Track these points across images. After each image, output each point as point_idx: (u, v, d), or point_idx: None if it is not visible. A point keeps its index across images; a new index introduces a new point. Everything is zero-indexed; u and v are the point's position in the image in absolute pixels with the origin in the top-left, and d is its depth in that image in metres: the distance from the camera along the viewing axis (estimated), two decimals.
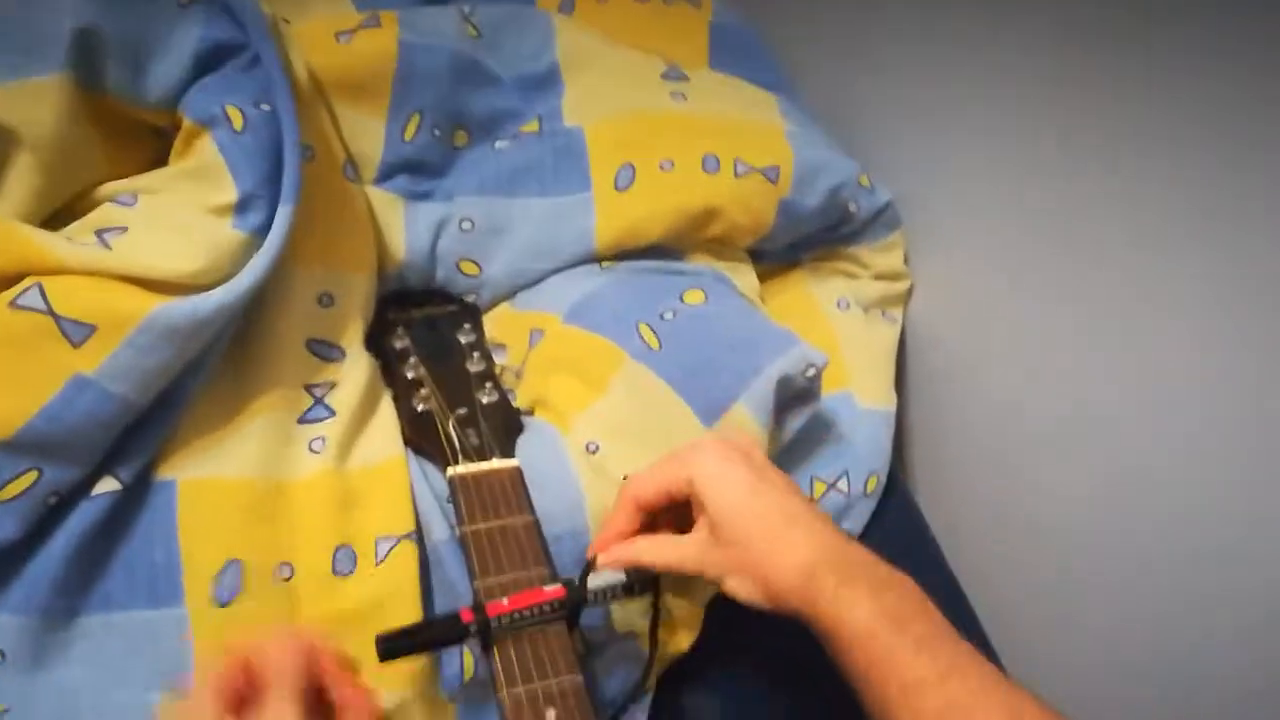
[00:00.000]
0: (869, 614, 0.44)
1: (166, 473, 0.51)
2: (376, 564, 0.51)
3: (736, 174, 0.70)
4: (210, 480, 0.51)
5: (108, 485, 0.48)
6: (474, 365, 0.63)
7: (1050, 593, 0.67)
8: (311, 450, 0.54)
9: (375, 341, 0.63)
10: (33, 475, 0.46)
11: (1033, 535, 0.69)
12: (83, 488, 0.48)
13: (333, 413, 0.56)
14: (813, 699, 0.61)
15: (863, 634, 0.43)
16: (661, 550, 0.50)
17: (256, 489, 0.52)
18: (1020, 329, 0.69)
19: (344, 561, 0.51)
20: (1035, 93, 0.64)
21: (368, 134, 0.66)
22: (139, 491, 0.50)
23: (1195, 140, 0.52)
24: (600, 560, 0.50)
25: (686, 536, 0.50)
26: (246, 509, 0.51)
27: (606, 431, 0.60)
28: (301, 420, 0.55)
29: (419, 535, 0.53)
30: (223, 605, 0.49)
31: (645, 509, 0.51)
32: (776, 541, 0.47)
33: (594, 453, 0.59)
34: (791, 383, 0.61)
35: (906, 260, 0.80)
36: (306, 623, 0.50)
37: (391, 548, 0.52)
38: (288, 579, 0.51)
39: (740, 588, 0.48)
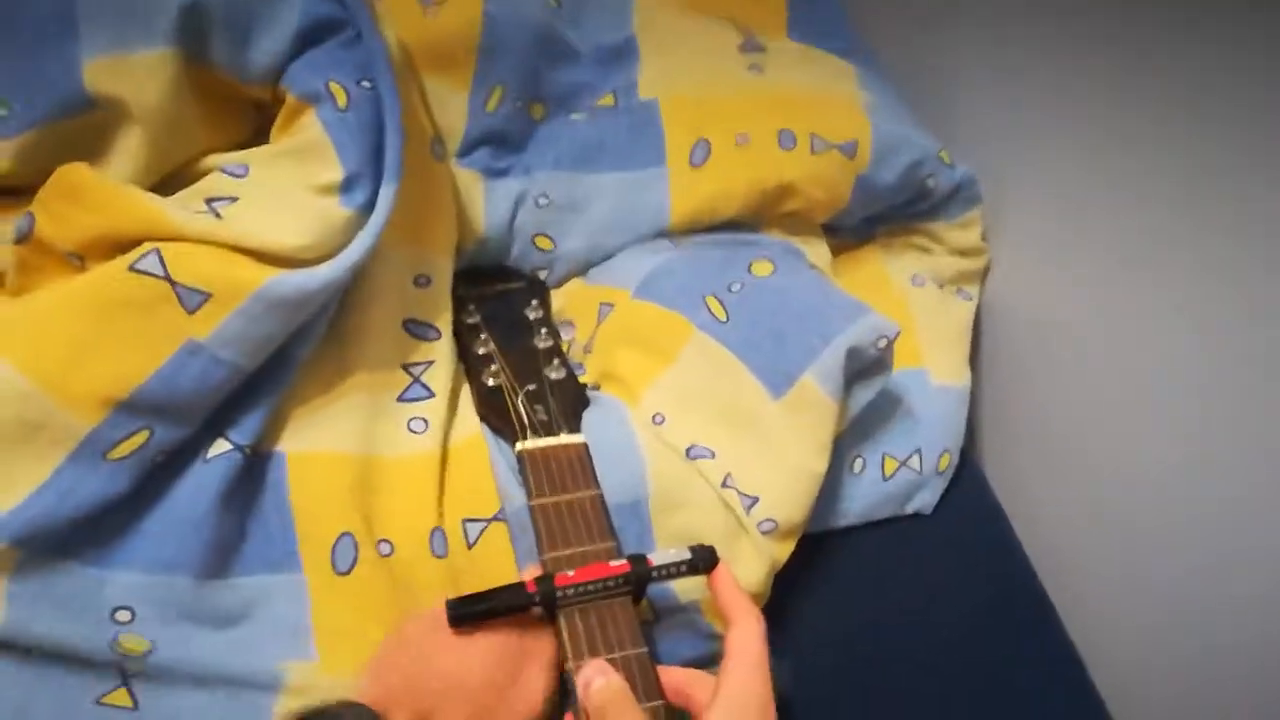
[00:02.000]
0: None
1: (278, 445, 0.54)
2: (469, 547, 0.54)
3: (814, 150, 0.70)
4: (316, 454, 0.54)
5: (220, 448, 0.51)
6: (542, 341, 0.64)
7: (1122, 574, 0.66)
8: (411, 430, 0.56)
9: None
10: (145, 435, 0.49)
11: (1105, 517, 0.68)
12: (198, 450, 0.51)
13: (432, 393, 0.58)
14: (874, 668, 0.63)
15: None
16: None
17: (358, 465, 0.54)
18: (1099, 309, 0.68)
19: (439, 544, 0.54)
20: (1123, 63, 0.62)
21: (452, 106, 0.67)
22: (253, 462, 0.53)
23: None
24: None
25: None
26: (352, 482, 0.54)
27: (672, 403, 0.61)
28: (400, 399, 0.58)
29: (504, 511, 0.55)
30: (342, 574, 0.52)
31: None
32: None
33: (660, 424, 0.60)
34: (862, 353, 0.60)
35: (985, 237, 0.79)
36: (421, 600, 0.52)
37: (482, 530, 0.54)
38: (387, 555, 0.53)
39: None
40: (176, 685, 0.48)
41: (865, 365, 0.62)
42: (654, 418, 0.61)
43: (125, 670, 0.48)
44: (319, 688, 0.49)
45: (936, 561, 0.69)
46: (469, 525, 0.54)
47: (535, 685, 0.48)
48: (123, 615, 0.48)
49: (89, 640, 0.47)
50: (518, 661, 0.48)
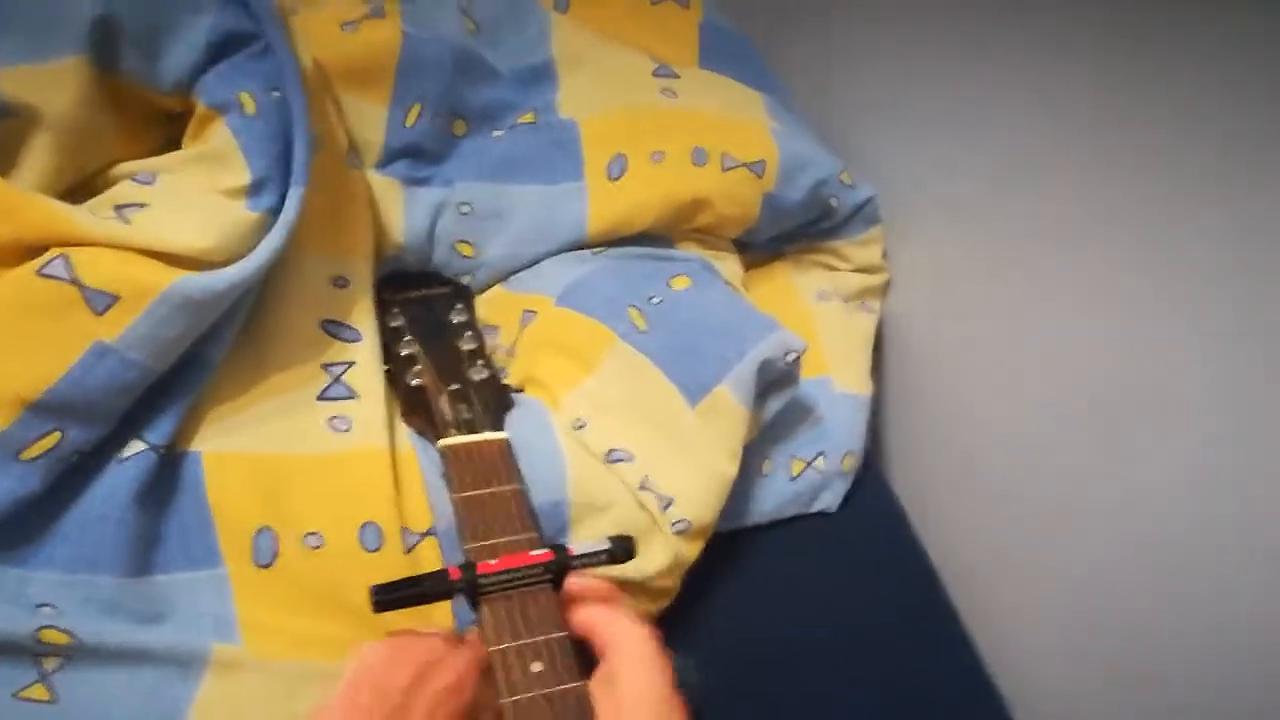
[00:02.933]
0: None
1: (193, 445, 0.54)
2: (405, 552, 0.55)
3: (724, 168, 0.73)
4: (234, 454, 0.55)
5: (136, 448, 0.51)
6: (466, 344, 0.66)
7: (1022, 571, 0.70)
8: (334, 428, 0.57)
9: None
10: (56, 436, 0.49)
11: (1001, 518, 0.72)
12: (113, 450, 0.51)
13: (354, 394, 0.59)
14: (781, 660, 0.65)
15: None
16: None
17: (278, 462, 0.55)
18: (994, 321, 0.72)
19: (371, 538, 0.54)
20: (1015, 92, 0.67)
21: (370, 120, 0.69)
22: (168, 462, 0.53)
23: (1181, 131, 0.54)
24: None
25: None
26: (269, 480, 0.54)
27: (593, 408, 0.63)
28: (320, 397, 0.58)
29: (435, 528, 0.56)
30: (264, 567, 0.52)
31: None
32: None
33: (580, 428, 0.62)
34: (772, 366, 0.64)
35: (885, 254, 0.84)
36: (347, 594, 0.52)
37: (417, 542, 0.55)
38: (317, 548, 0.53)
39: None
40: (97, 675, 0.48)
41: (775, 377, 0.66)
42: (575, 422, 0.63)
43: (43, 666, 0.47)
44: (244, 667, 0.49)
45: (841, 559, 0.72)
46: (407, 534, 0.55)
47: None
48: (47, 611, 0.48)
49: (12, 632, 0.46)
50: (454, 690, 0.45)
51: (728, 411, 0.63)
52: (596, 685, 0.47)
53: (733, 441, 0.63)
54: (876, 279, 0.83)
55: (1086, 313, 0.63)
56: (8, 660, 0.47)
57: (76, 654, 0.48)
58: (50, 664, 0.48)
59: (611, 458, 0.62)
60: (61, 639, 0.47)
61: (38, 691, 0.47)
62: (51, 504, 0.50)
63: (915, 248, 0.82)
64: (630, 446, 0.63)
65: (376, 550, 0.54)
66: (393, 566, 0.54)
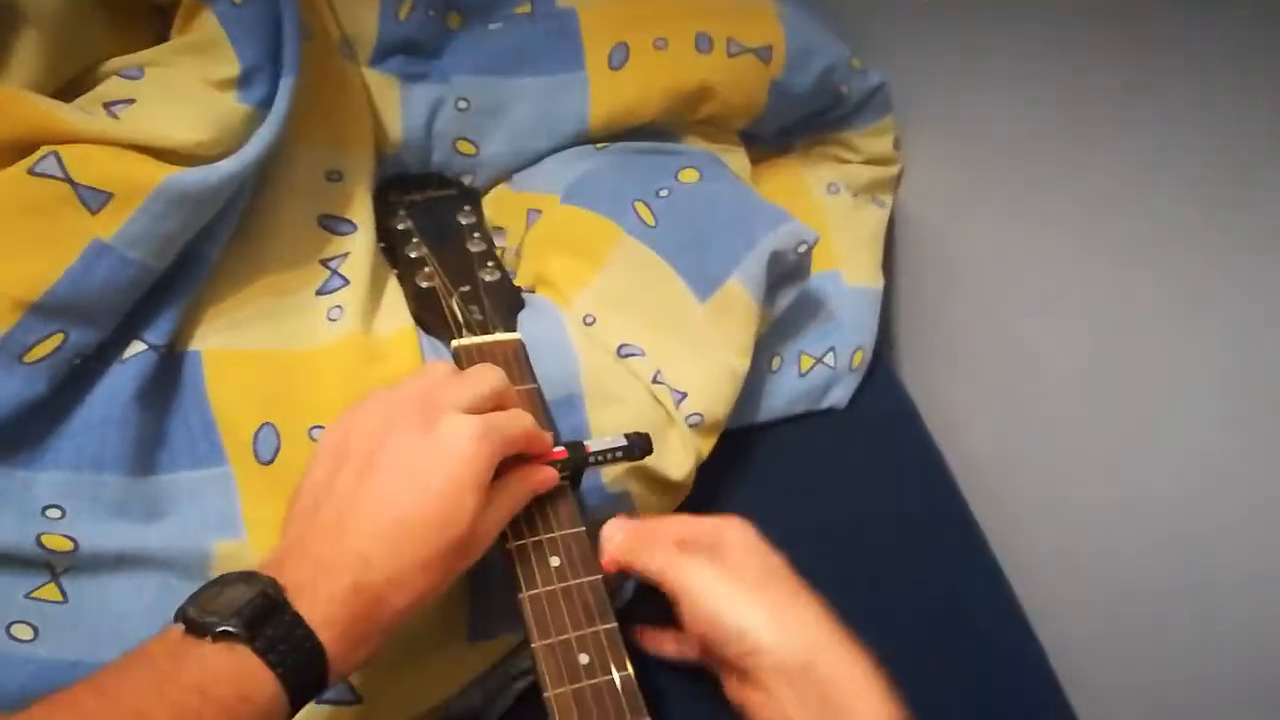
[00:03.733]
0: None
1: (192, 344, 0.53)
2: None
3: (729, 53, 0.71)
4: (234, 352, 0.54)
5: (136, 348, 0.51)
6: (475, 245, 0.64)
7: (1032, 469, 0.70)
8: (330, 319, 0.56)
9: (377, 224, 0.64)
10: (59, 338, 0.48)
11: (1015, 415, 0.72)
12: (114, 352, 0.50)
13: (346, 281, 0.57)
14: (792, 555, 0.65)
15: None
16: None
17: (278, 359, 0.54)
18: (1010, 215, 0.71)
19: None
20: None
21: (362, 14, 0.66)
22: (169, 362, 0.52)
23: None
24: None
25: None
26: (270, 378, 0.53)
27: (602, 305, 0.62)
28: (319, 292, 0.57)
29: None
30: (266, 463, 0.51)
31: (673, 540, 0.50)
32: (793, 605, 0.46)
33: (590, 324, 0.62)
34: (783, 258, 0.63)
35: (897, 145, 0.82)
36: None
37: None
38: None
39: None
40: (105, 576, 0.48)
41: (786, 270, 0.65)
42: (585, 319, 0.62)
43: (54, 566, 0.48)
44: (248, 562, 0.49)
45: (852, 455, 0.72)
46: None
47: (462, 475, 0.42)
48: (53, 513, 0.47)
49: (16, 538, 0.46)
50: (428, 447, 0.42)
51: (738, 305, 0.62)
52: (715, 571, 0.47)
53: (743, 336, 0.62)
54: (888, 171, 0.81)
55: (1105, 205, 0.61)
56: (19, 562, 0.47)
57: (82, 557, 0.48)
58: (59, 566, 0.48)
59: (623, 352, 0.61)
60: (64, 544, 0.47)
61: (49, 592, 0.48)
62: (55, 406, 0.49)
63: (928, 138, 0.80)
64: (641, 341, 0.62)
65: None
66: None
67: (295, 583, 0.38)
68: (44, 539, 0.47)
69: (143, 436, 0.50)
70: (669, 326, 0.62)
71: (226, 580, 0.38)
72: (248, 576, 0.38)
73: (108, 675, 0.35)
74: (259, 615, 0.36)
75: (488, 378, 0.46)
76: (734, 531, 0.49)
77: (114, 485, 0.49)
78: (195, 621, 0.36)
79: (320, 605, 0.37)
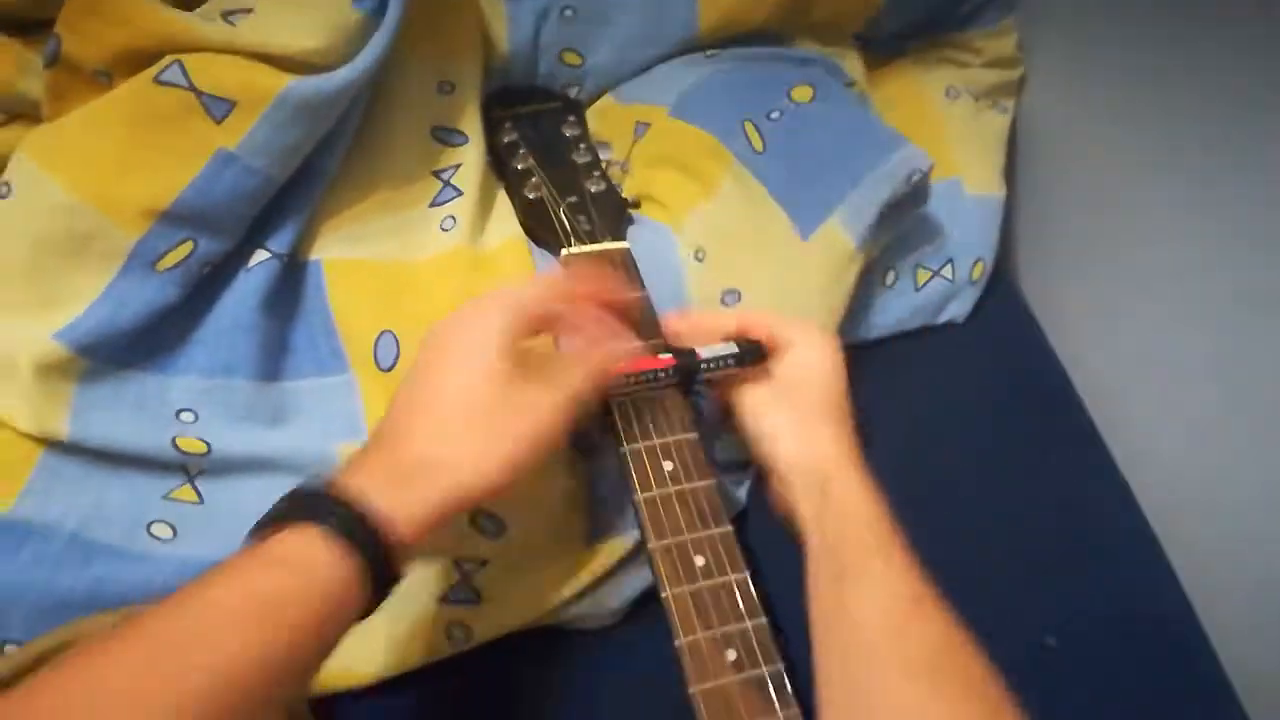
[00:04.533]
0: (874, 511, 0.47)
1: (313, 254, 0.55)
2: None
3: None
4: (354, 261, 0.55)
5: (261, 257, 0.52)
6: (580, 157, 0.64)
7: (1160, 387, 0.67)
8: (443, 229, 0.57)
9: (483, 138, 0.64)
10: (188, 245, 0.50)
11: (1143, 333, 0.68)
12: (240, 261, 0.52)
13: (460, 192, 0.58)
14: (912, 475, 0.64)
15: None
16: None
17: (395, 269, 0.55)
18: (1136, 124, 0.67)
19: None
20: None
21: None
22: (292, 271, 0.54)
23: None
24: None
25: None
26: (388, 287, 0.54)
27: (712, 239, 0.61)
28: (432, 204, 0.58)
29: None
30: (386, 370, 0.53)
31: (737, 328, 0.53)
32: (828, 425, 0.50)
33: (700, 260, 0.60)
34: (894, 190, 0.59)
35: (1020, 47, 0.77)
36: None
37: None
38: None
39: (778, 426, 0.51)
40: (237, 478, 0.50)
41: (900, 198, 0.61)
42: (696, 253, 0.61)
43: (189, 469, 0.50)
44: None
45: (972, 371, 0.70)
46: None
47: (542, 419, 0.42)
48: (186, 416, 0.50)
49: (153, 441, 0.49)
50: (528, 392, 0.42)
51: (839, 246, 0.59)
52: (764, 377, 0.52)
53: (845, 279, 0.60)
54: (1010, 74, 0.77)
55: (1254, 126, 0.56)
56: (157, 465, 0.50)
57: (215, 460, 0.50)
58: (195, 469, 0.50)
59: (725, 301, 0.60)
60: (198, 446, 0.49)
61: (185, 493, 0.51)
62: (187, 313, 0.51)
63: (1054, 39, 0.75)
64: (742, 285, 0.60)
65: None
66: None
67: (345, 473, 0.39)
68: (179, 441, 0.49)
69: (269, 343, 0.52)
70: (768, 268, 0.60)
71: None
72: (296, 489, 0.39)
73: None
74: (299, 497, 0.38)
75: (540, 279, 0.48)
76: (803, 353, 0.52)
77: (244, 390, 0.51)
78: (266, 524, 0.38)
79: (361, 476, 0.38)
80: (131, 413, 0.49)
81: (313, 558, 0.36)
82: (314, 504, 0.37)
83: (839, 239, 0.59)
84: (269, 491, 0.49)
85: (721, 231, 0.61)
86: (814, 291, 0.59)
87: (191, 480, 0.51)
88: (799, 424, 0.50)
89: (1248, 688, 0.56)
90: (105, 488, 0.49)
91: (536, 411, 0.41)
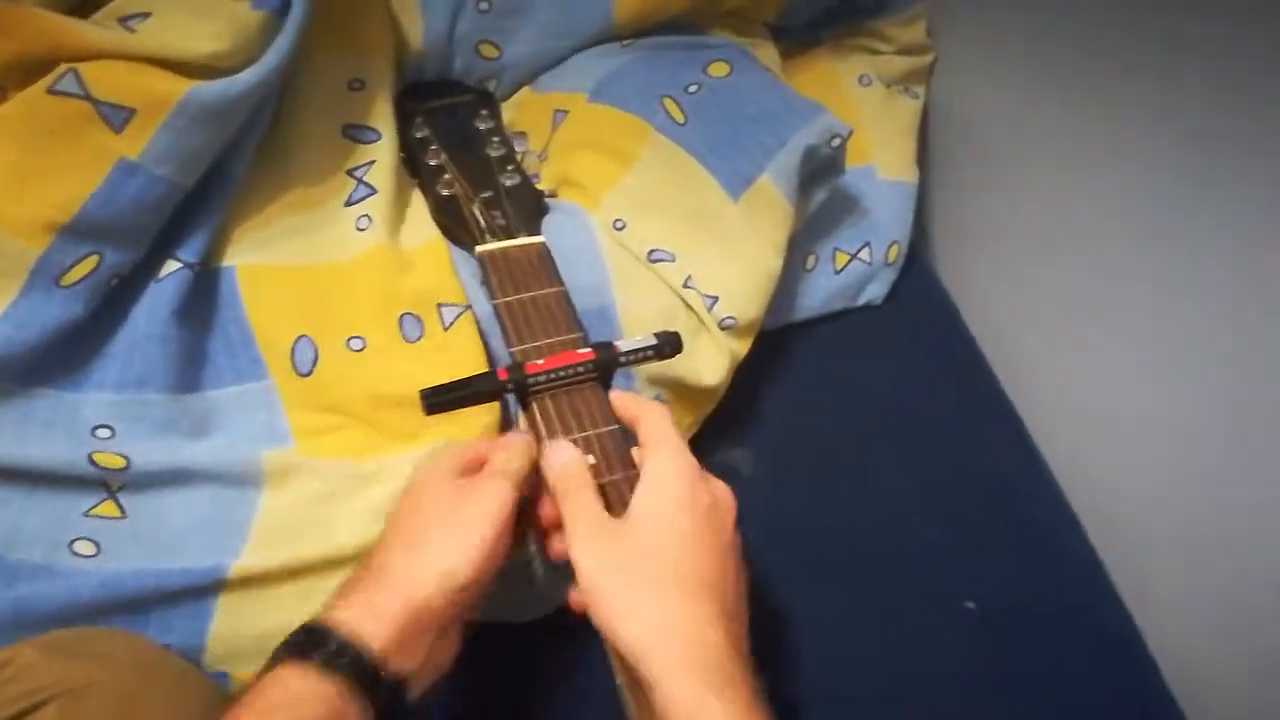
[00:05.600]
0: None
1: (226, 261, 0.54)
2: (445, 329, 0.54)
3: None
4: (268, 267, 0.54)
5: (171, 267, 0.51)
6: (494, 150, 0.63)
7: (1072, 364, 0.69)
8: (358, 229, 0.56)
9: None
10: (94, 259, 0.48)
11: (1053, 308, 0.71)
12: (149, 272, 0.51)
13: (374, 190, 0.57)
14: (833, 451, 0.66)
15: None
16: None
17: (310, 272, 0.55)
18: (1045, 105, 0.68)
19: (411, 327, 0.54)
20: None
21: None
22: (204, 280, 0.53)
23: None
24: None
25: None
26: (304, 291, 0.54)
27: (633, 208, 0.61)
28: (347, 203, 0.57)
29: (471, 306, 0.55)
30: (304, 375, 0.52)
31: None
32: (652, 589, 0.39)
33: (620, 229, 0.61)
34: (815, 153, 0.61)
35: (930, 33, 0.78)
36: (387, 389, 0.52)
37: (458, 315, 0.54)
38: (360, 350, 0.53)
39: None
40: (161, 491, 0.49)
41: (820, 165, 0.63)
42: (614, 223, 0.61)
43: (109, 484, 0.49)
44: (300, 470, 0.50)
45: (891, 351, 0.71)
46: (444, 309, 0.55)
47: (475, 513, 0.42)
48: (103, 433, 0.49)
49: (69, 458, 0.48)
50: (454, 497, 0.44)
51: (771, 203, 0.61)
52: (607, 542, 0.42)
53: (776, 235, 0.61)
54: (921, 60, 0.78)
55: (1143, 106, 0.59)
56: (76, 481, 0.49)
57: (136, 473, 0.49)
58: (115, 484, 0.49)
59: (652, 258, 0.61)
60: (116, 461, 0.48)
61: (108, 508, 0.50)
62: (96, 328, 0.50)
63: (961, 24, 0.77)
64: (671, 245, 0.61)
65: (418, 339, 0.54)
66: (436, 350, 0.54)
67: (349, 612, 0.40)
68: (96, 457, 0.48)
69: (183, 353, 0.51)
70: (700, 228, 0.61)
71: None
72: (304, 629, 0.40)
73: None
74: (306, 635, 0.39)
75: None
76: (653, 470, 0.43)
77: (159, 403, 0.51)
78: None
79: (336, 599, 0.41)
80: (43, 430, 0.48)
81: (298, 691, 0.38)
82: (292, 638, 0.40)
83: (773, 197, 0.60)
84: (193, 502, 0.50)
85: (642, 199, 0.62)
86: (751, 251, 0.60)
87: (113, 495, 0.50)
88: (649, 602, 0.39)
89: (1164, 649, 0.58)
90: (24, 507, 0.48)
91: (483, 503, 0.43)
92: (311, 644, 0.39)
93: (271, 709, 0.37)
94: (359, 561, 0.45)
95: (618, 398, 0.49)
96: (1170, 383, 0.60)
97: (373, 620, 0.39)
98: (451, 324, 0.54)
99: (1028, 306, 0.73)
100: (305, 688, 0.38)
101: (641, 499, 0.42)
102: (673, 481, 0.43)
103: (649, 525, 0.41)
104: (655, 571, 0.40)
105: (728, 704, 0.36)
